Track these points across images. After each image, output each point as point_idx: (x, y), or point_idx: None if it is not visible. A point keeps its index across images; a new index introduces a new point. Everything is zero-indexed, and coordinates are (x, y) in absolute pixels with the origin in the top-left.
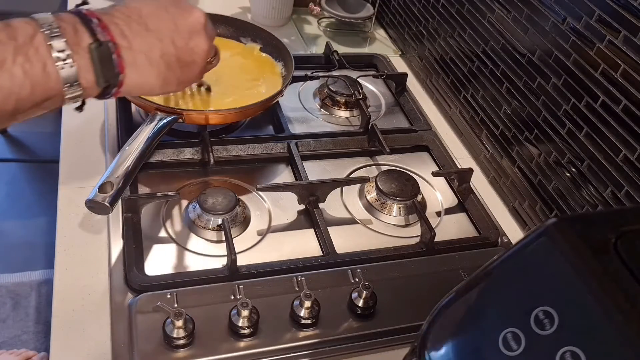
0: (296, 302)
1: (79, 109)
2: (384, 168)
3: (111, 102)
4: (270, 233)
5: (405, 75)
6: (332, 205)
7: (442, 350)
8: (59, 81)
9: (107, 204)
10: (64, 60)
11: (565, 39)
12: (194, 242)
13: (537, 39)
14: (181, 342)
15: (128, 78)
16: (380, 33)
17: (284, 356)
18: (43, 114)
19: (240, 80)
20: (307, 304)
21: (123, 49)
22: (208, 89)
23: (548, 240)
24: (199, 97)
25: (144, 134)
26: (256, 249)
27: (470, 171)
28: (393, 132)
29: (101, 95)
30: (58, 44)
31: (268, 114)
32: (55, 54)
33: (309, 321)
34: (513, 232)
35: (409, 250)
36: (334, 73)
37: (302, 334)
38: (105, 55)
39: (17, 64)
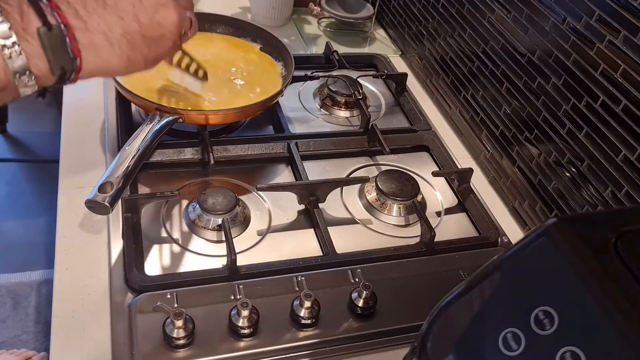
0: (296, 302)
1: (41, 96)
2: (384, 168)
3: (111, 102)
4: (270, 233)
5: (405, 75)
6: (332, 205)
7: (442, 350)
8: (8, 72)
9: (107, 204)
10: (10, 47)
11: (565, 39)
12: (194, 242)
13: (537, 39)
14: (181, 342)
15: (86, 62)
16: (380, 33)
17: (284, 356)
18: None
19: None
20: (307, 304)
21: (77, 31)
22: (205, 77)
23: (548, 240)
24: (199, 96)
25: (144, 134)
26: (256, 249)
27: (470, 171)
28: (393, 132)
29: (58, 83)
30: (1, 29)
31: (268, 114)
32: (0, 42)
33: (309, 321)
34: (513, 232)
35: (409, 250)
36: (334, 73)
37: (302, 334)
38: (57, 39)
39: None
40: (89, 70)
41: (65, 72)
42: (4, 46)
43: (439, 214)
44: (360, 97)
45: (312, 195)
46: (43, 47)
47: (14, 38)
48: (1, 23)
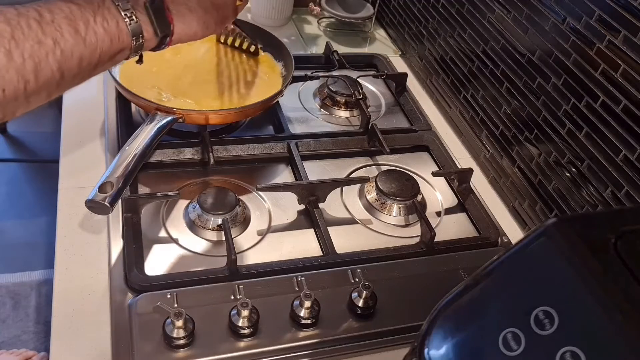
0: (296, 302)
1: (140, 61)
2: (384, 168)
3: (111, 102)
4: (270, 233)
5: (405, 75)
6: (332, 205)
7: (442, 351)
8: (129, 34)
9: (107, 204)
10: (130, 17)
11: (565, 39)
12: (194, 242)
13: (537, 39)
14: (181, 342)
15: (177, 27)
16: (380, 33)
17: (284, 356)
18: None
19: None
20: (307, 304)
21: (169, 3)
22: (256, 52)
23: (548, 240)
24: (200, 96)
25: (144, 134)
26: (256, 249)
27: (470, 171)
28: (393, 132)
29: (157, 46)
30: (123, 4)
31: (268, 114)
32: (122, 13)
33: (309, 321)
34: (513, 232)
35: (409, 250)
36: (334, 73)
37: (302, 334)
38: (157, 10)
39: (98, 23)
40: (178, 34)
41: (165, 35)
42: (126, 15)
43: (439, 214)
44: (360, 97)
45: (312, 195)
46: (149, 16)
47: (132, 10)
48: (123, 0)
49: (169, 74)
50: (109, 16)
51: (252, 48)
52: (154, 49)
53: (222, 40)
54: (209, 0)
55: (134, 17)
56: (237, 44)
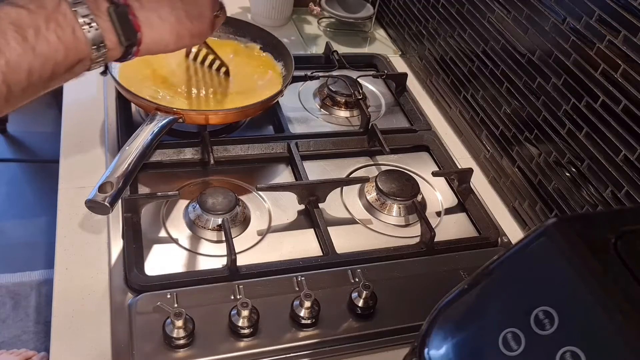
0: (296, 302)
1: (104, 73)
2: (384, 168)
3: (111, 102)
4: (270, 233)
5: (405, 75)
6: (332, 205)
7: (442, 350)
8: (88, 43)
9: (107, 204)
10: (89, 24)
11: (565, 39)
12: (194, 242)
13: (537, 39)
14: (181, 342)
15: (145, 36)
16: (380, 33)
17: (284, 356)
18: (72, 78)
19: (240, 80)
20: (307, 304)
21: (136, 9)
22: (226, 73)
23: (548, 240)
24: (199, 96)
25: (144, 134)
26: (256, 249)
27: (470, 171)
28: (393, 132)
29: (123, 56)
30: (81, 9)
31: (268, 114)
32: (80, 19)
33: (309, 321)
34: (513, 232)
35: (409, 250)
36: (334, 73)
37: (302, 334)
38: (122, 16)
39: (51, 30)
40: (146, 44)
41: (130, 44)
42: (84, 22)
43: (439, 214)
44: (360, 97)
45: (312, 195)
46: (112, 23)
47: (91, 16)
48: (81, 5)
49: (167, 73)
50: (64, 23)
51: (223, 69)
52: (119, 60)
53: (192, 58)
54: (183, 10)
55: (93, 23)
56: (207, 63)
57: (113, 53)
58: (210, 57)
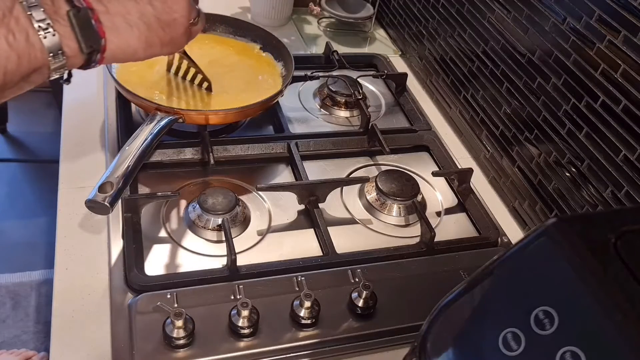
0: (296, 302)
1: (66, 81)
2: (384, 168)
3: (111, 102)
4: (270, 233)
5: (405, 75)
6: (332, 205)
7: (442, 350)
8: (43, 50)
9: (107, 204)
10: (45, 29)
11: (565, 39)
12: (194, 242)
13: (537, 39)
14: (181, 342)
15: (110, 42)
16: (380, 33)
17: (284, 356)
18: (32, 88)
19: (240, 80)
20: (307, 304)
21: (101, 14)
22: (209, 88)
23: (548, 240)
24: (199, 96)
25: (144, 134)
26: (256, 249)
27: (470, 171)
28: (393, 132)
29: (86, 64)
30: (37, 14)
31: (268, 114)
32: (36, 24)
33: (309, 321)
34: (513, 232)
35: (409, 250)
36: (334, 73)
37: (302, 334)
38: (84, 20)
39: (1, 37)
40: (112, 51)
41: (93, 51)
42: (40, 27)
43: (439, 214)
44: (360, 97)
45: (312, 195)
46: (72, 28)
47: (48, 20)
48: (37, 8)
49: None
50: (17, 28)
51: (205, 84)
52: (82, 68)
53: (173, 72)
54: (154, 16)
55: (50, 29)
56: (189, 77)
57: (74, 61)
58: (192, 70)
